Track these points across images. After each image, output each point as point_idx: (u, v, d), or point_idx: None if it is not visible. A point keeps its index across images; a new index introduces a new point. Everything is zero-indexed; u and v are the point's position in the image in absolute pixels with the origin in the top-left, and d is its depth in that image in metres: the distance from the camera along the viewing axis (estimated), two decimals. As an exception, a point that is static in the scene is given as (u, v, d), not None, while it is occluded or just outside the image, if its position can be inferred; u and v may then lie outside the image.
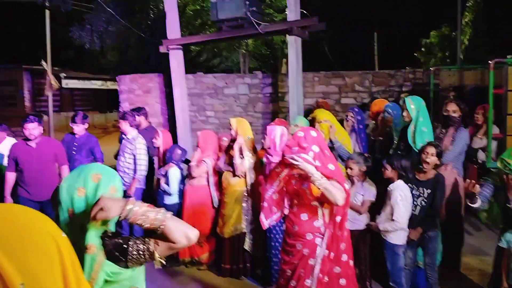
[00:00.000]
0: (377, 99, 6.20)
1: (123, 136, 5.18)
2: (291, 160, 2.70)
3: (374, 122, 5.43)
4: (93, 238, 1.44)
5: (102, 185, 1.52)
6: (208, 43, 9.51)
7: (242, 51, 10.43)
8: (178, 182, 4.77)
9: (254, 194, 4.33)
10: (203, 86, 8.24)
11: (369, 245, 3.93)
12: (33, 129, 4.47)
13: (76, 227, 1.46)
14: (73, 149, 5.15)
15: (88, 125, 5.51)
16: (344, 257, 2.89)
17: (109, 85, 24.23)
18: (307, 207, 2.87)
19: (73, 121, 5.24)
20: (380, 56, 19.26)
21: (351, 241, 3.00)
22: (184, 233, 1.49)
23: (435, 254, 3.75)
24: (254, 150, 4.50)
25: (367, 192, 3.83)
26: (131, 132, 5.02)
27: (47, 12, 15.76)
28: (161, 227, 1.45)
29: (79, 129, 5.26)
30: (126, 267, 1.47)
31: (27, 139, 4.56)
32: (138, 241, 1.50)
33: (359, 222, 3.85)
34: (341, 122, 5.10)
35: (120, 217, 1.44)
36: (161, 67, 9.33)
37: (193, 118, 8.10)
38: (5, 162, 5.77)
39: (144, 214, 1.44)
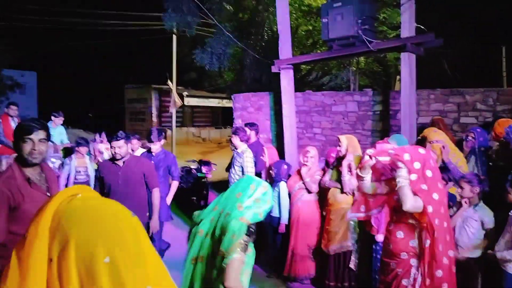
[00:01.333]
0: (502, 118, 5.64)
1: (234, 149, 5.52)
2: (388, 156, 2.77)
3: (497, 144, 4.96)
4: (250, 216, 2.02)
5: (256, 193, 2.08)
6: (318, 62, 9.66)
7: (352, 68, 10.36)
8: (287, 196, 4.93)
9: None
10: (311, 103, 8.37)
11: (482, 274, 3.59)
12: (119, 147, 4.01)
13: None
14: None
15: (165, 141, 5.30)
16: (445, 286, 2.69)
17: (225, 103, 25.84)
18: (404, 225, 2.80)
19: (149, 140, 5.00)
20: (509, 72, 17.32)
21: (453, 269, 2.78)
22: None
23: None
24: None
25: (486, 218, 3.51)
26: (241, 146, 5.33)
27: (174, 38, 17.59)
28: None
29: (156, 147, 5.04)
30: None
31: (114, 159, 4.14)
32: (251, 238, 2.04)
33: (475, 250, 3.54)
34: (460, 142, 4.77)
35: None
36: (272, 86, 9.72)
37: (300, 135, 8.25)
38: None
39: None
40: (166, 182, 5.09)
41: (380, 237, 4.00)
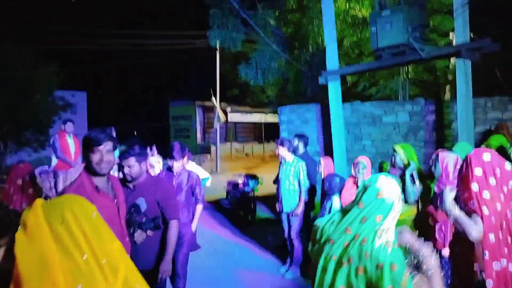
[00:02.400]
0: None
1: (283, 160, 5.42)
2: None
3: None
4: (393, 238, 1.80)
5: (395, 210, 1.85)
6: (365, 72, 9.48)
7: (401, 78, 10.09)
8: None
9: (420, 224, 4.08)
10: (360, 114, 8.19)
11: None
12: (128, 166, 3.22)
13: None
14: None
15: (187, 158, 4.53)
16: None
17: (267, 118, 25.94)
18: (463, 239, 2.52)
19: (171, 156, 4.19)
20: None
21: None
22: None
23: None
24: (420, 178, 4.27)
25: None
26: (289, 157, 5.26)
27: (218, 55, 17.98)
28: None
29: (178, 165, 4.21)
30: None
31: (125, 180, 3.27)
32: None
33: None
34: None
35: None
36: (316, 99, 9.62)
37: (349, 147, 8.07)
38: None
39: None
40: (189, 205, 4.45)
41: (446, 252, 3.77)
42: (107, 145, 2.41)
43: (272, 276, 5.49)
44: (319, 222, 2.02)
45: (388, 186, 1.87)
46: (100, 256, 1.21)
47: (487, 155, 2.54)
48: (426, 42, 6.82)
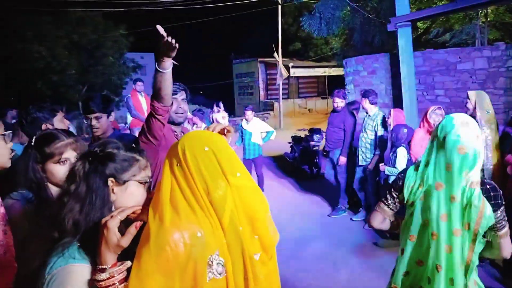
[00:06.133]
0: None
1: (364, 113, 5.36)
2: None
3: None
4: (475, 178, 1.71)
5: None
6: (439, 17, 8.79)
7: (479, 22, 9.20)
8: (405, 162, 4.65)
9: (496, 175, 3.89)
10: (433, 63, 7.72)
11: None
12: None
13: None
14: None
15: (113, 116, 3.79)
16: None
17: (331, 71, 25.19)
18: None
19: (89, 110, 2.68)
20: None
21: None
22: None
23: None
24: (496, 127, 4.03)
25: None
26: (372, 109, 5.18)
27: (279, 8, 17.57)
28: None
29: (98, 124, 2.70)
30: None
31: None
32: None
33: None
34: None
35: None
36: (385, 48, 9.16)
37: (420, 98, 7.71)
38: (254, 138, 6.78)
39: None
40: None
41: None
42: (182, 95, 2.50)
43: (338, 219, 5.68)
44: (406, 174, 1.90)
45: (468, 136, 1.68)
46: (203, 194, 1.20)
47: None
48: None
